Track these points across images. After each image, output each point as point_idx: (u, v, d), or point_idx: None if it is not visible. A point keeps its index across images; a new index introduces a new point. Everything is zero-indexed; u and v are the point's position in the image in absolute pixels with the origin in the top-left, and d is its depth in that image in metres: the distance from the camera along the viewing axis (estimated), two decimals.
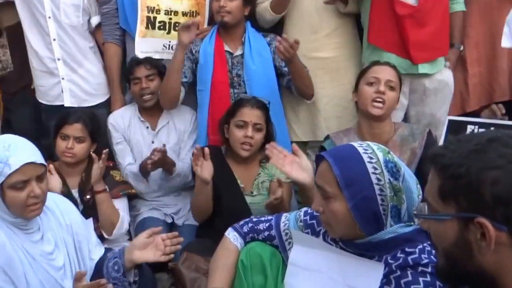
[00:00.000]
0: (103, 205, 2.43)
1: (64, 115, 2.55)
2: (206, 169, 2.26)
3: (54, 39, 2.83)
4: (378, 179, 1.39)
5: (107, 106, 2.96)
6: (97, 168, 2.38)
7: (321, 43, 2.78)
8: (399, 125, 2.43)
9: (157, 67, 2.79)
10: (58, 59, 2.85)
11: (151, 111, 2.86)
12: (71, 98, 2.88)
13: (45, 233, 1.73)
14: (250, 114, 2.45)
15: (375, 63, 2.43)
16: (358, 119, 2.45)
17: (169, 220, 2.84)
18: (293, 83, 2.69)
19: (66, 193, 2.39)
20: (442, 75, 2.75)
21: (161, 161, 2.59)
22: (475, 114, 2.88)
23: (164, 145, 2.60)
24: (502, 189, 0.97)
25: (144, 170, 2.69)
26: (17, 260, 1.62)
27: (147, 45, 2.83)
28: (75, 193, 2.52)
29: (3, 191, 1.60)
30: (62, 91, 2.88)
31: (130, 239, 2.66)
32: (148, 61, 2.78)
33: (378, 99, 2.30)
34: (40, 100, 2.95)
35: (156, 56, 2.84)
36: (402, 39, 2.61)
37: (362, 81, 2.39)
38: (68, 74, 2.87)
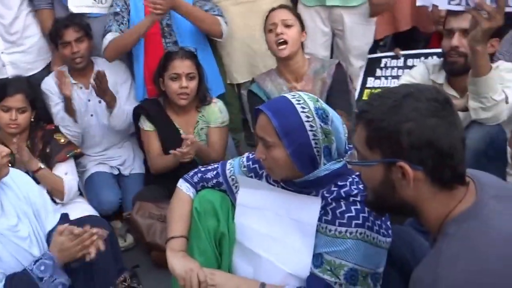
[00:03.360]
0: (44, 181, 2.44)
1: (2, 87, 2.48)
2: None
3: None
4: (311, 126, 1.56)
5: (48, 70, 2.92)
6: (19, 150, 2.35)
7: None
8: (312, 60, 2.60)
9: (84, 28, 2.76)
10: None
11: (82, 71, 2.85)
12: (13, 70, 2.83)
13: (6, 208, 1.79)
14: (181, 66, 2.53)
15: (271, 10, 2.56)
16: (276, 61, 2.60)
17: (116, 172, 2.93)
18: (202, 30, 2.75)
19: (12, 162, 2.37)
20: (361, 9, 2.91)
21: (103, 87, 2.61)
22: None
23: (103, 72, 2.61)
24: (415, 137, 1.16)
25: (69, 109, 2.73)
26: None
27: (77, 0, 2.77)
28: None
29: None
30: (4, 65, 2.83)
31: (81, 194, 2.72)
32: (76, 23, 2.73)
33: (279, 41, 2.45)
34: None
35: (87, 11, 2.80)
36: None
37: (265, 31, 2.55)
38: (7, 47, 2.83)
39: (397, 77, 3.01)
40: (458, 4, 2.15)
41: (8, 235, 1.75)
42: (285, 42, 2.46)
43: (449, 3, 2.19)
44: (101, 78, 2.58)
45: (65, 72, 2.72)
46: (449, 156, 1.18)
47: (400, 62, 3.03)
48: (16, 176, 1.90)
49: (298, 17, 2.56)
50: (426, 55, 2.95)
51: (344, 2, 2.87)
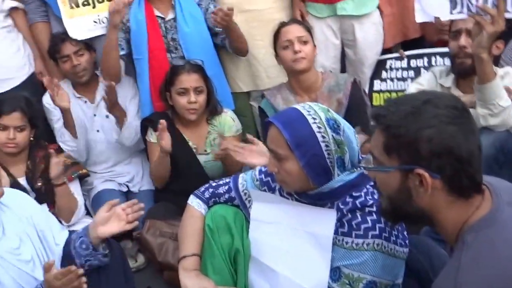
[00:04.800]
0: (63, 198, 2.41)
1: None
2: (167, 140, 2.37)
3: None
4: (323, 137, 1.54)
5: (30, 86, 2.83)
6: (56, 163, 2.34)
7: None
8: (325, 75, 2.56)
9: (83, 40, 2.73)
10: None
11: (87, 86, 2.82)
12: None
13: (7, 231, 1.74)
14: (189, 80, 2.50)
15: (282, 25, 2.54)
16: (288, 76, 2.58)
17: (124, 189, 2.90)
18: (231, 44, 2.75)
19: (12, 183, 2.35)
20: (372, 18, 2.91)
21: (113, 100, 2.58)
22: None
23: (112, 84, 2.58)
24: (435, 144, 1.15)
25: (68, 122, 2.65)
26: None
27: (78, 25, 2.74)
28: (22, 181, 2.46)
29: None
30: None
31: (88, 213, 2.69)
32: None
33: (298, 58, 2.43)
34: None
35: (90, 35, 2.76)
36: None
37: (278, 46, 2.52)
38: None
39: (402, 79, 3.01)
40: (460, 12, 2.17)
41: (10, 258, 1.70)
42: (303, 57, 2.44)
43: (451, 13, 2.20)
44: (111, 91, 2.55)
45: (56, 81, 2.57)
46: (468, 163, 1.16)
47: (404, 63, 3.04)
48: (17, 197, 1.85)
49: (310, 32, 2.55)
50: (429, 55, 2.96)
51: (355, 11, 2.86)
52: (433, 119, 1.16)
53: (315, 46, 2.55)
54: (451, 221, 1.20)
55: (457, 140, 1.15)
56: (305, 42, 2.46)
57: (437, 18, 2.48)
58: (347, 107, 2.45)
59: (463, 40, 2.34)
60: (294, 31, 2.48)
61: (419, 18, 2.40)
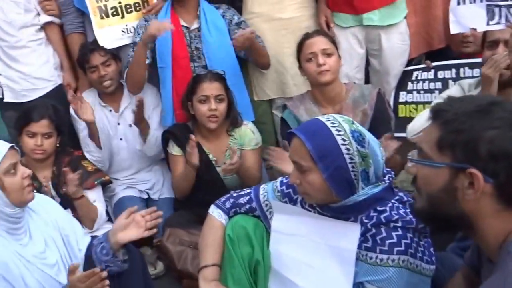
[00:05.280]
0: (83, 209, 2.44)
1: (26, 112, 2.49)
2: (195, 156, 2.42)
3: None
4: (348, 149, 1.50)
5: (57, 95, 2.90)
6: (71, 180, 2.36)
7: (284, 4, 2.86)
8: (349, 86, 2.52)
9: (111, 51, 2.79)
10: None
11: (112, 95, 2.87)
12: (9, 93, 2.87)
13: (33, 235, 1.77)
14: (210, 88, 2.51)
15: (306, 36, 2.51)
16: (311, 87, 2.55)
17: (145, 196, 2.91)
18: (254, 61, 2.77)
19: (38, 188, 2.39)
20: (399, 28, 2.86)
21: (141, 114, 2.62)
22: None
23: (142, 99, 2.61)
24: (496, 147, 1.10)
25: (92, 134, 2.69)
26: (12, 264, 1.66)
27: (108, 35, 2.81)
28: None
29: (1, 179, 1.66)
30: (1, 86, 2.86)
31: (109, 219, 2.72)
32: (101, 47, 2.75)
33: (322, 71, 2.40)
34: None
35: (119, 44, 2.83)
36: None
37: (302, 58, 2.49)
38: (4, 69, 2.85)
39: (429, 90, 2.92)
40: (498, 23, 2.10)
41: (35, 262, 1.72)
42: (327, 70, 2.41)
43: (487, 24, 2.13)
44: (140, 106, 2.58)
45: (80, 98, 2.64)
46: None
47: (431, 74, 2.94)
48: (43, 201, 1.89)
49: (334, 43, 2.52)
50: (457, 66, 2.86)
51: (382, 21, 2.81)
52: (499, 120, 1.12)
53: (340, 57, 2.51)
54: (494, 230, 1.15)
55: None
56: (329, 55, 2.43)
57: (472, 29, 2.41)
58: (372, 118, 2.41)
59: (501, 50, 2.24)
60: (318, 44, 2.44)
61: (454, 29, 2.34)
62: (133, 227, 1.82)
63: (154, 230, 1.84)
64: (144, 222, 1.81)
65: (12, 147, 1.71)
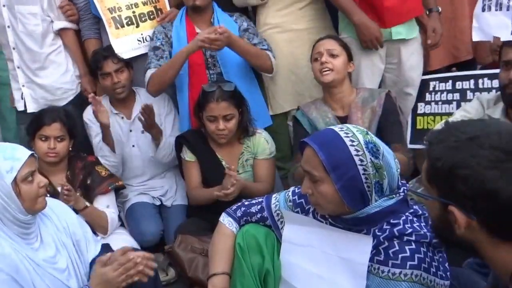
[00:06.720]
0: (89, 218, 2.42)
1: (38, 116, 2.52)
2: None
3: (13, 48, 2.87)
4: (361, 160, 1.48)
5: (79, 101, 2.94)
6: (66, 196, 2.33)
7: (296, 16, 2.86)
8: (360, 90, 2.55)
9: (124, 59, 2.81)
10: (18, 67, 2.89)
11: (124, 102, 2.88)
12: (33, 104, 2.91)
13: (44, 239, 1.77)
14: (217, 108, 2.45)
15: (318, 40, 2.55)
16: (322, 91, 2.58)
17: (158, 203, 2.90)
18: (252, 65, 2.73)
19: (52, 192, 2.39)
20: (418, 39, 2.82)
21: (151, 121, 2.62)
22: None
23: (151, 106, 2.61)
24: (470, 187, 1.07)
25: (107, 138, 2.70)
26: (23, 268, 1.66)
27: (124, 45, 2.83)
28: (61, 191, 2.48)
29: (18, 186, 1.67)
30: (23, 97, 2.91)
31: (122, 224, 2.72)
32: (114, 54, 2.77)
33: (324, 69, 2.43)
34: None
35: (136, 53, 2.85)
36: (373, 4, 2.65)
37: (311, 59, 2.54)
38: (27, 81, 2.91)
39: (447, 101, 2.85)
40: None
41: (46, 267, 1.73)
42: (330, 69, 2.44)
43: None
44: (148, 112, 2.57)
45: (100, 101, 2.66)
46: (510, 209, 1.06)
47: (449, 85, 2.88)
48: (55, 206, 1.89)
49: (345, 47, 2.52)
50: (476, 77, 2.80)
51: (408, 35, 2.76)
52: (471, 159, 1.08)
53: (351, 62, 2.52)
54: (503, 260, 1.12)
55: (498, 185, 1.05)
56: (334, 56, 2.45)
57: (496, 38, 2.34)
58: (380, 117, 2.42)
59: None
60: (325, 44, 2.49)
61: (476, 36, 2.27)
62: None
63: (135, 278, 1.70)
64: (134, 266, 1.69)
65: (31, 155, 1.72)
